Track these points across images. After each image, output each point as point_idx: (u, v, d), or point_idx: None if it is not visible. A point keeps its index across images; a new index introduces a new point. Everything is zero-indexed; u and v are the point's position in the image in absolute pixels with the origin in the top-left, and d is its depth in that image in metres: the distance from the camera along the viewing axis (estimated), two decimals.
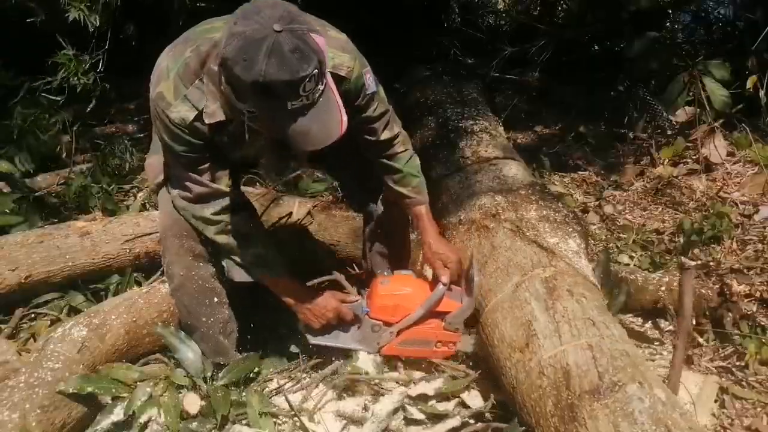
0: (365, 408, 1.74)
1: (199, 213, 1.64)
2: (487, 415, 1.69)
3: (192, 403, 1.72)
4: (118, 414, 1.67)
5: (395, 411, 1.69)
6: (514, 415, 1.57)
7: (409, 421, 1.69)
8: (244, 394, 1.76)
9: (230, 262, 1.74)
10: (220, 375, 1.79)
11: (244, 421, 1.68)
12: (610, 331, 1.52)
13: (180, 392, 1.76)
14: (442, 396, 1.76)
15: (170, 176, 1.68)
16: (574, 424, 1.31)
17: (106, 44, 3.33)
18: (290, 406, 1.70)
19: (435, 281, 1.83)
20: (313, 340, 1.83)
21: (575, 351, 1.45)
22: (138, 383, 1.73)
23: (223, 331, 1.83)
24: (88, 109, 3.53)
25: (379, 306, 1.82)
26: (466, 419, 1.68)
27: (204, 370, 1.78)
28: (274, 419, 1.71)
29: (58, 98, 3.23)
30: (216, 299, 1.80)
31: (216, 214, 1.64)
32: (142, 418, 1.67)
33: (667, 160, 3.36)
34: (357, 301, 1.84)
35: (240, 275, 1.74)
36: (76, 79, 3.10)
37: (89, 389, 1.64)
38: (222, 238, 1.67)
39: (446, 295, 1.81)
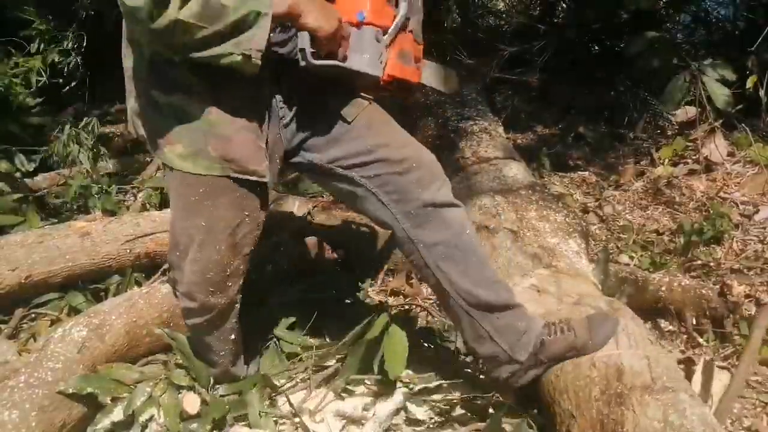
0: (365, 408, 1.74)
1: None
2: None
3: (192, 403, 1.72)
4: (117, 414, 1.67)
5: (397, 411, 1.69)
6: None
7: (411, 421, 1.69)
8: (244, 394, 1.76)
9: (240, 40, 1.27)
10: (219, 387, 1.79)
11: (242, 423, 1.68)
12: (666, 352, 1.52)
13: (180, 392, 1.76)
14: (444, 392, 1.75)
15: None
16: (621, 408, 1.30)
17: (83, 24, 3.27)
18: (291, 405, 1.70)
19: None
20: (320, 60, 1.46)
21: (631, 356, 1.45)
22: (137, 383, 1.73)
23: (234, 362, 1.76)
24: (66, 89, 3.47)
25: (375, 6, 1.52)
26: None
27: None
28: (275, 419, 1.71)
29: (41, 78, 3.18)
30: (232, 335, 1.68)
31: None
32: (142, 418, 1.67)
33: (667, 160, 3.37)
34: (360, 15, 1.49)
35: (258, 37, 1.28)
36: (55, 54, 3.05)
37: (89, 389, 1.64)
38: (194, 6, 1.20)
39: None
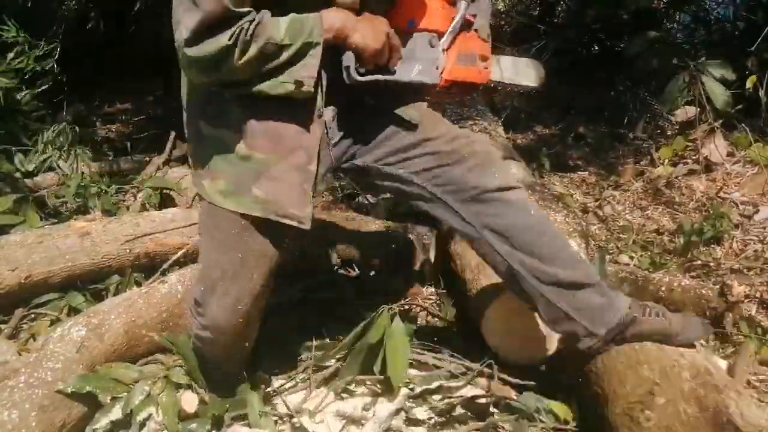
0: (365, 408, 1.74)
1: (214, 46, 1.23)
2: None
3: (190, 401, 1.71)
4: (116, 413, 1.67)
5: (397, 411, 1.69)
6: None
7: (411, 422, 1.69)
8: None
9: (293, 70, 1.30)
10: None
11: (242, 422, 1.68)
12: None
13: (178, 391, 1.76)
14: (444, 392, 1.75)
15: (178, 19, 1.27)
16: (720, 395, 1.27)
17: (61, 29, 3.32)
18: (287, 407, 1.70)
19: None
20: (367, 76, 1.42)
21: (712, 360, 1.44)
22: (136, 383, 1.73)
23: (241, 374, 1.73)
24: (39, 90, 3.50)
25: (429, 10, 1.48)
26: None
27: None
28: (275, 419, 1.70)
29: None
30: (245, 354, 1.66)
31: (231, 37, 1.23)
32: (140, 416, 1.67)
33: (666, 160, 3.37)
34: (409, 24, 1.48)
35: (310, 66, 1.30)
36: (28, 62, 3.09)
37: (88, 389, 1.64)
38: (252, 52, 1.25)
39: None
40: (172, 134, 3.82)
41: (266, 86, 1.30)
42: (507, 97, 4.27)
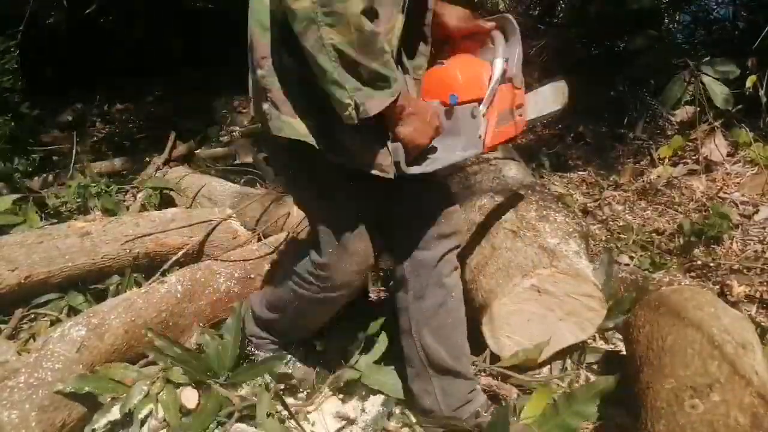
0: (363, 409, 1.75)
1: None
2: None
3: (190, 398, 1.72)
4: (115, 413, 1.67)
5: (391, 413, 1.69)
6: None
7: (407, 423, 1.69)
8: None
9: (361, 90, 1.23)
10: (236, 372, 1.79)
11: (243, 423, 1.68)
12: None
13: (178, 388, 1.76)
14: None
15: None
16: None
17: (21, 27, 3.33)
18: (286, 408, 1.69)
19: (479, 42, 1.58)
20: (415, 169, 1.40)
21: None
22: (136, 382, 1.73)
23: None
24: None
25: (466, 82, 1.48)
26: None
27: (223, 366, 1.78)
28: (281, 419, 1.71)
29: None
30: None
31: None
32: (141, 415, 1.67)
33: (666, 160, 3.37)
34: (434, 103, 1.46)
35: (376, 103, 1.26)
36: None
37: (87, 389, 1.64)
38: (367, 23, 1.19)
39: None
40: (172, 134, 3.83)
41: (334, 78, 1.22)
42: None
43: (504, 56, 1.55)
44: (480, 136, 1.52)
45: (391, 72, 1.24)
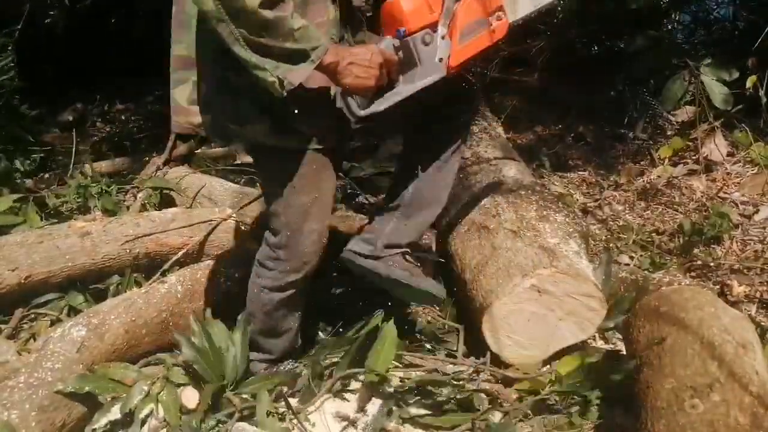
0: (362, 408, 1.74)
1: None
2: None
3: (190, 397, 1.72)
4: (115, 413, 1.67)
5: (389, 412, 1.69)
6: None
7: (405, 420, 1.69)
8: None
9: (280, 67, 1.36)
10: (247, 381, 1.78)
11: (241, 423, 1.68)
12: None
13: (179, 388, 1.76)
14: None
15: None
16: None
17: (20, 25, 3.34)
18: (289, 407, 1.70)
19: None
20: (371, 108, 1.47)
21: None
22: (136, 382, 1.73)
23: (297, 334, 1.86)
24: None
25: (411, 11, 1.48)
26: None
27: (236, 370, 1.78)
28: (281, 418, 1.71)
29: None
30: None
31: None
32: (141, 414, 1.67)
33: (666, 160, 3.37)
34: (398, 34, 1.49)
35: (297, 74, 1.37)
36: None
37: (87, 389, 1.64)
38: (267, 12, 1.30)
39: None
40: (173, 134, 3.82)
41: (254, 61, 1.34)
42: (507, 97, 4.27)
43: None
44: (441, 60, 1.51)
45: (306, 44, 1.36)
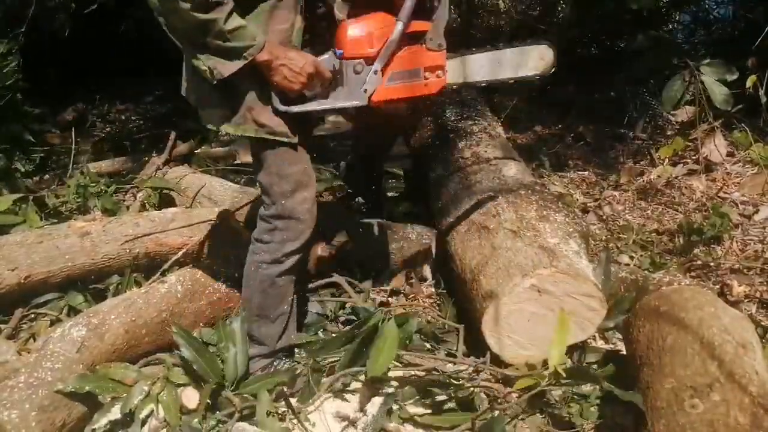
0: (361, 408, 1.75)
1: None
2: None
3: (191, 397, 1.72)
4: (115, 413, 1.67)
5: (389, 411, 1.69)
6: None
7: (406, 420, 1.69)
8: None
9: (212, 59, 1.55)
10: (246, 381, 1.79)
11: (242, 423, 1.68)
12: None
13: (179, 388, 1.76)
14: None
15: None
16: None
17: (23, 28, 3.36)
18: (290, 407, 1.70)
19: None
20: (294, 108, 1.65)
21: None
22: (136, 383, 1.73)
23: (291, 323, 1.91)
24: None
25: (352, 40, 1.66)
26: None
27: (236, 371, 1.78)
28: (281, 417, 1.71)
29: None
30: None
31: None
32: (141, 414, 1.67)
33: (666, 160, 3.37)
34: (330, 51, 1.67)
35: (227, 67, 1.55)
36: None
37: (87, 388, 1.64)
38: (199, 15, 1.46)
39: (415, 19, 1.69)
40: (173, 134, 3.83)
41: (193, 52, 1.56)
42: (507, 97, 4.27)
43: (407, 20, 1.66)
44: (365, 90, 1.69)
45: (240, 43, 1.53)
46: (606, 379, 1.63)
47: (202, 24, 1.48)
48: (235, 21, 1.51)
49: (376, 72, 1.68)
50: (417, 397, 1.74)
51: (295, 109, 1.65)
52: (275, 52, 1.58)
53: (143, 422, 1.68)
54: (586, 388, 1.75)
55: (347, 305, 2.22)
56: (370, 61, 1.67)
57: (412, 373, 1.84)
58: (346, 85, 1.68)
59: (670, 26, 4.45)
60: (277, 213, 1.75)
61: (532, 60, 1.87)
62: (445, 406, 1.71)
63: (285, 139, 1.68)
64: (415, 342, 1.99)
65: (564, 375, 1.66)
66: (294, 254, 1.78)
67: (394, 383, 1.79)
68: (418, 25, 1.70)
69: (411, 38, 1.70)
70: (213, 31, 1.50)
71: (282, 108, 1.63)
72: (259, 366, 1.86)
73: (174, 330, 1.82)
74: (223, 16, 1.48)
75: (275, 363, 1.89)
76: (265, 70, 1.59)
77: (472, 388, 1.72)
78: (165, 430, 1.68)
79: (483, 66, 1.82)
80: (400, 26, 1.66)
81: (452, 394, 1.71)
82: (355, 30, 1.66)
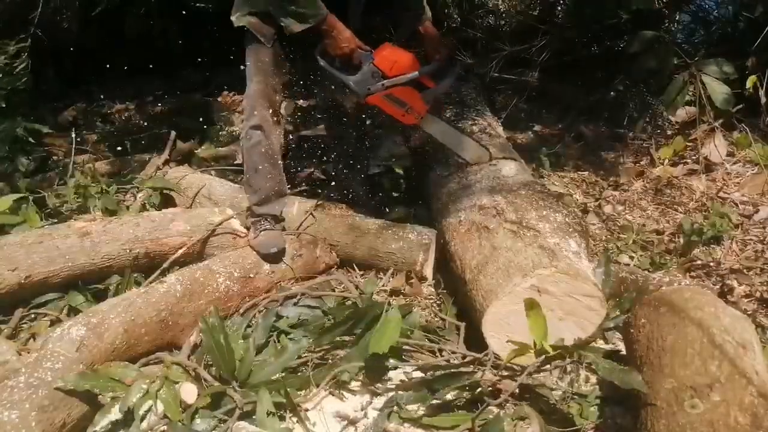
0: (363, 408, 1.75)
1: None
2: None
3: (189, 392, 1.72)
4: (116, 413, 1.67)
5: (390, 411, 1.69)
6: None
7: (406, 420, 1.69)
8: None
9: (289, 19, 2.19)
10: (252, 377, 1.80)
11: (242, 422, 1.68)
12: None
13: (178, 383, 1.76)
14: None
15: None
16: None
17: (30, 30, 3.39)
18: (290, 403, 1.70)
19: (429, 59, 2.43)
20: (324, 64, 2.30)
21: None
22: (135, 382, 1.73)
23: (275, 194, 2.46)
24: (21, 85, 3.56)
25: (384, 56, 2.28)
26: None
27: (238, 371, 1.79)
28: (281, 416, 1.71)
29: None
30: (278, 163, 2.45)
31: None
32: (141, 411, 1.67)
33: (666, 160, 3.37)
34: (369, 51, 2.28)
35: (299, 26, 2.19)
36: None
37: (86, 387, 1.64)
38: None
39: (428, 77, 2.35)
40: (173, 134, 3.83)
41: (274, 10, 2.22)
42: (507, 97, 4.27)
43: (423, 74, 2.34)
44: (368, 89, 2.32)
45: (310, 11, 2.18)
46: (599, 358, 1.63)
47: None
48: None
49: (383, 85, 2.31)
50: (418, 395, 1.73)
51: (322, 62, 2.30)
52: (335, 25, 2.21)
53: (142, 419, 1.68)
54: (586, 387, 1.75)
55: (347, 303, 2.22)
56: (384, 76, 2.30)
57: (415, 367, 1.85)
58: (361, 76, 2.29)
59: (670, 26, 4.44)
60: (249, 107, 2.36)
61: (467, 151, 2.56)
62: (448, 402, 1.71)
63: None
64: (417, 338, 1.99)
65: (550, 351, 1.69)
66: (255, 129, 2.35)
67: (395, 384, 1.79)
68: (426, 81, 2.36)
69: (416, 84, 2.33)
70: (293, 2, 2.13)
71: (323, 64, 2.29)
72: (250, 221, 2.46)
73: (201, 318, 1.86)
74: None
75: (262, 222, 2.42)
76: (323, 33, 2.22)
77: (471, 381, 1.72)
78: (165, 427, 1.67)
79: (440, 131, 2.52)
80: (415, 74, 2.31)
81: (452, 386, 1.71)
82: (389, 53, 2.30)
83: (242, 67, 2.38)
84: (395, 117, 2.36)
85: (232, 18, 2.32)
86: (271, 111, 2.37)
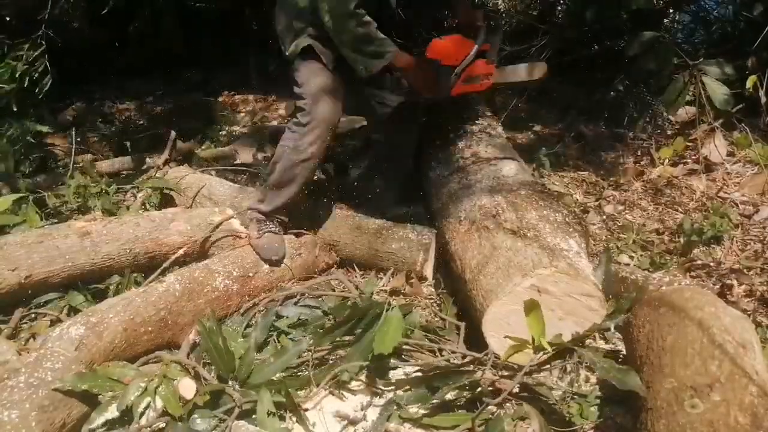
0: (363, 408, 1.75)
1: (346, 7, 2.14)
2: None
3: (188, 387, 1.72)
4: (113, 411, 1.67)
5: (389, 412, 1.69)
6: None
7: (406, 420, 1.69)
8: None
9: (368, 60, 2.27)
10: (252, 377, 1.80)
11: (241, 422, 1.68)
12: None
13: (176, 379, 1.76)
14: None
15: None
16: None
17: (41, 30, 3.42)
18: (291, 402, 1.70)
19: (471, 27, 2.58)
20: (404, 92, 2.59)
21: None
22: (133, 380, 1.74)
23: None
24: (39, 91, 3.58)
25: (442, 51, 2.45)
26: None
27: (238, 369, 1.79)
28: (281, 415, 1.71)
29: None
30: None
31: (357, 7, 2.15)
32: (140, 408, 1.67)
33: (666, 160, 3.37)
34: (437, 60, 2.46)
35: (375, 65, 2.28)
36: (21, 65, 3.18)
37: (84, 386, 1.64)
38: (361, 29, 2.18)
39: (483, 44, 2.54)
40: (173, 134, 3.83)
41: (352, 56, 2.28)
42: (507, 97, 4.27)
43: (480, 44, 2.52)
44: (449, 87, 2.53)
45: (383, 49, 2.28)
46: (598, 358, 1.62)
47: (364, 35, 2.21)
48: (380, 34, 2.24)
49: (456, 76, 2.51)
50: (418, 395, 1.73)
51: (404, 90, 2.64)
52: (407, 59, 2.38)
53: (140, 416, 1.68)
54: (586, 387, 1.75)
55: (347, 302, 2.22)
56: (453, 68, 2.49)
57: (415, 367, 1.84)
58: (439, 82, 2.50)
59: (670, 26, 4.45)
60: (304, 120, 2.36)
61: (534, 71, 2.75)
62: (448, 402, 1.71)
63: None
64: (417, 337, 1.99)
65: (548, 348, 1.69)
66: (311, 144, 2.34)
67: (395, 384, 1.79)
68: (484, 47, 2.55)
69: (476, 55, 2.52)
70: (369, 41, 2.22)
71: (392, 98, 2.66)
72: (254, 217, 2.46)
73: (199, 320, 1.87)
74: (373, 29, 2.21)
75: (267, 224, 2.43)
76: (402, 70, 2.44)
77: (476, 382, 1.72)
78: (163, 424, 1.67)
79: (504, 73, 2.74)
80: (475, 50, 2.50)
81: (453, 384, 1.71)
82: (442, 46, 2.46)
83: (295, 89, 2.39)
84: (478, 92, 2.65)
85: (289, 47, 2.36)
86: (329, 137, 2.40)
